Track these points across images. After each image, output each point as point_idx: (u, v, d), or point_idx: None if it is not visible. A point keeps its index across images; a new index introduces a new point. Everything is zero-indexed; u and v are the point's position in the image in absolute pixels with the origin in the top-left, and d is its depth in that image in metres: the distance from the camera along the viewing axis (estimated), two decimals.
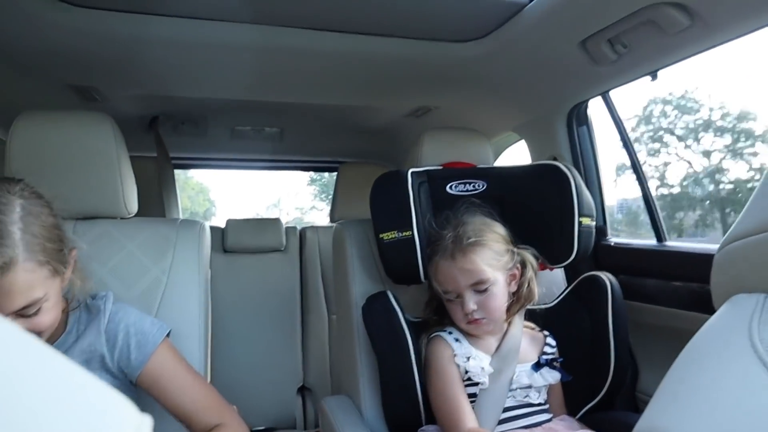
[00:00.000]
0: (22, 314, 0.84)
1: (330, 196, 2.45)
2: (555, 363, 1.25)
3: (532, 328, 1.31)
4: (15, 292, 0.81)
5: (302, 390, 2.19)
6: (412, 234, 1.25)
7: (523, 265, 1.24)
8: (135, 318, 1.05)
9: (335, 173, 2.53)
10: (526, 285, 1.22)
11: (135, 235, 1.27)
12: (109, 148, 1.21)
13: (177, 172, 2.53)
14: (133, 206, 1.29)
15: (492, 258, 1.18)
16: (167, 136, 2.25)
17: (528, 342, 1.26)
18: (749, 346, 0.41)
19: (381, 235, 1.28)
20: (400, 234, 1.25)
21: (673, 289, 1.41)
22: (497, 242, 1.20)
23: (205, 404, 1.02)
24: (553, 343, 1.31)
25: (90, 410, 0.23)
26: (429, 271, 1.24)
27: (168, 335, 1.07)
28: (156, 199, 2.19)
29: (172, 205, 2.22)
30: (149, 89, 1.74)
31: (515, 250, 1.23)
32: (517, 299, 1.23)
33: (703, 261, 1.33)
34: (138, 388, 1.04)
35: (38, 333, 0.88)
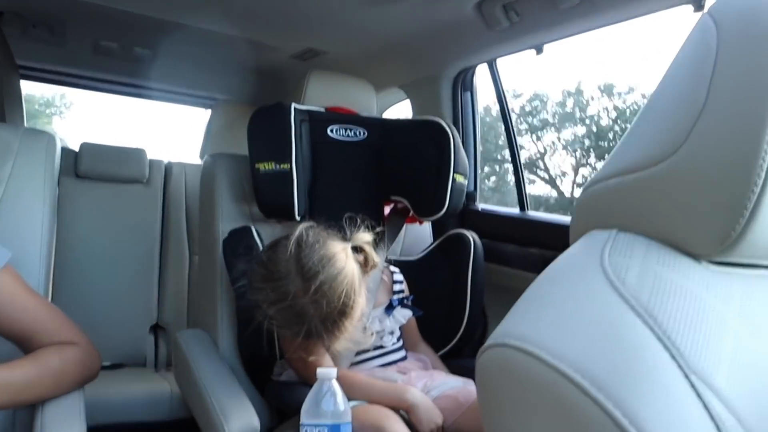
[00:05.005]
0: None
1: None
2: (406, 301, 1.30)
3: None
4: None
5: (155, 329, 2.09)
6: (290, 167, 1.22)
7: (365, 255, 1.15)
8: None
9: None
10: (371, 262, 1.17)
11: None
12: None
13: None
14: None
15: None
16: (14, 38, 1.95)
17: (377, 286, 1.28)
18: (599, 269, 0.44)
19: (257, 165, 1.23)
20: (278, 166, 1.21)
21: (529, 254, 1.52)
22: (345, 273, 1.06)
23: (51, 326, 0.93)
24: (401, 278, 1.35)
25: None
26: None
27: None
28: None
29: (16, 117, 1.95)
30: None
31: (356, 254, 1.13)
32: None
33: (560, 230, 1.45)
34: None
35: None
